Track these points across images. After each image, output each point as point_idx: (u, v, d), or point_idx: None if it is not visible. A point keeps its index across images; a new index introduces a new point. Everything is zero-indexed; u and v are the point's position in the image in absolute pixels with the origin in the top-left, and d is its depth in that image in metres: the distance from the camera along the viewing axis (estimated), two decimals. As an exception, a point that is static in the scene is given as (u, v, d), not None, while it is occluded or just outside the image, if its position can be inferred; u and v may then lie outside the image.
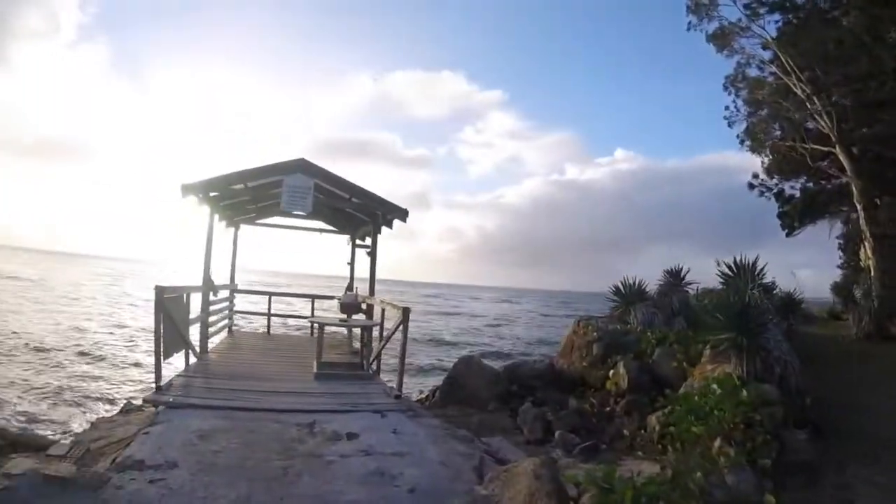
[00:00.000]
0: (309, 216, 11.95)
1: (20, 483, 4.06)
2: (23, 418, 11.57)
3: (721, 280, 12.17)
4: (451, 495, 4.58)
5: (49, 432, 10.27)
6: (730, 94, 22.48)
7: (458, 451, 5.90)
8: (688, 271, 13.26)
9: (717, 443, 5.89)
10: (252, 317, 17.44)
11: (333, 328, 10.52)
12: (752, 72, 21.67)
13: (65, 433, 10.41)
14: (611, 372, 10.19)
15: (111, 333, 25.86)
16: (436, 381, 15.98)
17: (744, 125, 22.65)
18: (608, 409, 9.63)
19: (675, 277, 13.16)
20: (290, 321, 20.51)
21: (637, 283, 12.86)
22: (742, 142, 22.85)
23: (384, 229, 10.99)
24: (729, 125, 22.75)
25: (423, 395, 12.55)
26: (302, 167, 9.69)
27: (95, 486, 4.32)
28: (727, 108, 22.68)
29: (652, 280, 13.22)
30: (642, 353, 10.19)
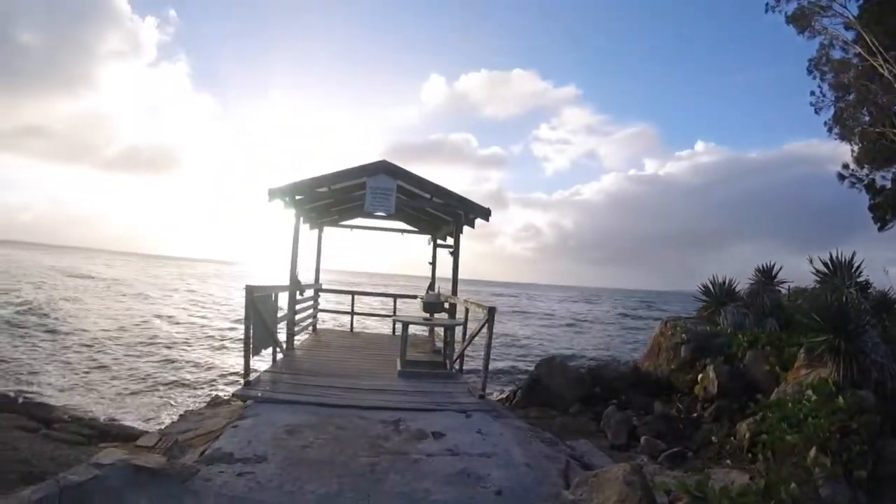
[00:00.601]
0: (390, 217, 12.04)
1: (110, 473, 4.11)
2: (111, 409, 12.00)
3: (816, 278, 11.61)
4: (538, 499, 4.51)
5: (137, 423, 10.61)
6: (814, 78, 21.48)
7: (543, 454, 5.82)
8: (780, 269, 12.72)
9: (813, 452, 5.65)
10: (330, 314, 17.63)
11: (415, 327, 10.52)
12: (836, 53, 20.70)
13: (150, 422, 10.76)
14: (699, 375, 9.89)
15: (202, 328, 26.77)
16: (507, 380, 15.90)
17: (831, 111, 21.49)
18: (695, 414, 9.38)
19: (766, 276, 12.61)
20: (364, 319, 20.66)
21: (727, 281, 12.45)
22: (830, 129, 21.69)
23: (466, 228, 10.92)
24: (816, 111, 21.66)
25: (504, 395, 12.46)
26: (385, 169, 9.78)
27: (184, 478, 4.38)
28: (813, 93, 21.62)
29: (739, 278, 12.75)
30: (733, 357, 9.84)
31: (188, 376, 16.24)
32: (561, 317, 53.44)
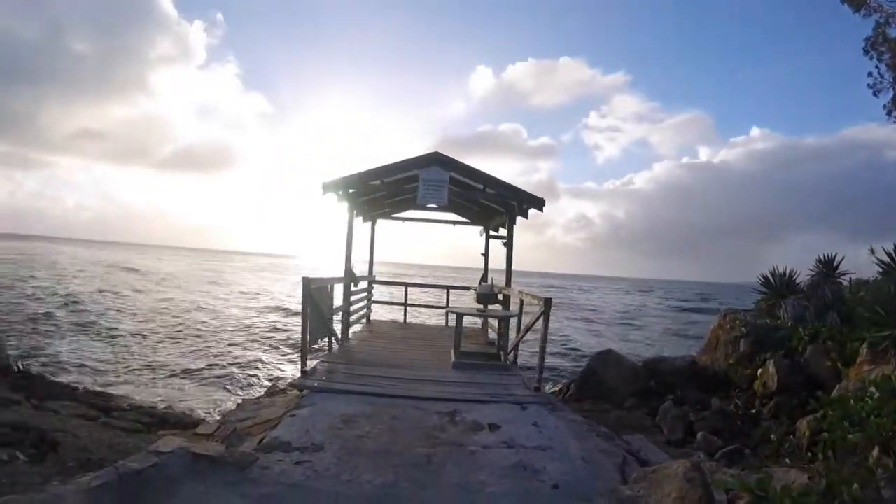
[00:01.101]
0: (442, 209, 12.02)
1: (169, 460, 4.17)
2: (169, 397, 12.25)
3: (879, 270, 11.22)
4: (595, 494, 4.44)
5: (195, 411, 10.81)
6: (871, 58, 20.44)
7: (599, 448, 5.75)
8: (841, 260, 12.23)
9: (875, 452, 5.45)
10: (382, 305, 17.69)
11: (468, 319, 10.49)
12: (893, 32, 19.72)
13: (208, 410, 10.96)
14: (759, 370, 9.66)
15: (252, 319, 27.25)
16: (555, 375, 15.78)
17: (889, 94, 20.52)
18: (754, 410, 9.17)
19: (827, 267, 12.14)
20: (417, 310, 20.67)
21: (787, 273, 12.14)
22: (889, 112, 20.69)
23: (519, 219, 10.82)
24: (874, 94, 20.56)
25: (557, 388, 12.37)
26: (437, 160, 9.74)
27: (243, 466, 4.44)
28: (870, 74, 20.60)
29: (798, 270, 12.38)
30: (793, 351, 9.59)
31: (242, 366, 16.51)
32: (612, 310, 52.84)
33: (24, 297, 27.61)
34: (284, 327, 24.79)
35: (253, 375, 15.35)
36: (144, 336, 20.47)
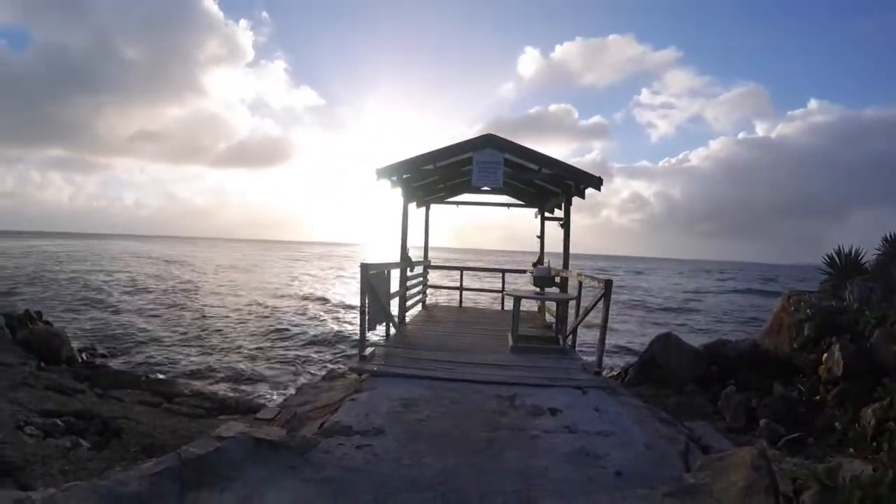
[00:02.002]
0: (496, 191, 11.95)
1: (231, 445, 4.22)
2: (230, 381, 12.47)
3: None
4: (658, 481, 4.34)
5: (254, 396, 10.98)
6: None
7: (661, 435, 5.65)
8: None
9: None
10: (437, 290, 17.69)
11: (525, 302, 10.40)
12: None
13: (268, 395, 11.12)
14: (824, 356, 9.35)
15: (306, 305, 27.52)
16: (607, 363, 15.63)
17: None
18: (818, 397, 8.92)
19: (894, 246, 11.67)
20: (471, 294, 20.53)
21: (853, 252, 11.76)
22: None
23: (575, 199, 10.64)
24: None
25: (615, 373, 12.23)
26: (491, 142, 9.68)
27: (304, 450, 4.48)
28: None
29: (863, 249, 11.96)
30: (860, 335, 9.25)
31: (301, 350, 16.74)
32: (667, 293, 51.85)
33: (81, 296, 28.44)
34: (334, 311, 25.27)
35: (311, 360, 15.56)
36: (194, 322, 21.17)
